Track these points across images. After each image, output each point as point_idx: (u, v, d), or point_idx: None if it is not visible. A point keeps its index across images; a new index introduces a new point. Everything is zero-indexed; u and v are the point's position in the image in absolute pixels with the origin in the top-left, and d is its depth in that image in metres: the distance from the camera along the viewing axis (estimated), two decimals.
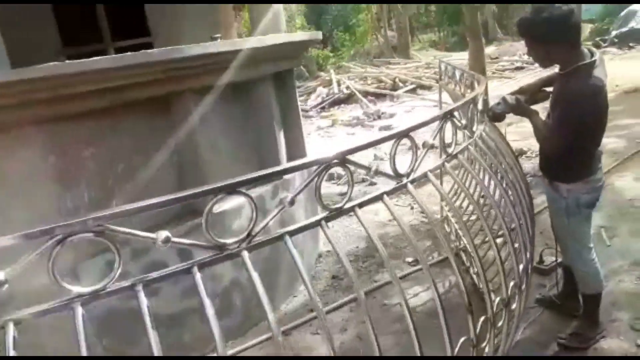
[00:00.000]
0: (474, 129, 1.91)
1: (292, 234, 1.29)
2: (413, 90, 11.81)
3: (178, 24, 4.82)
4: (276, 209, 1.24)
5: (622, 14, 14.54)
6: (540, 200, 3.97)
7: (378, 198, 1.46)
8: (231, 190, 1.16)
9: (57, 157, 2.34)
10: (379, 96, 11.60)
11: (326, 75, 13.82)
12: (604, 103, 2.09)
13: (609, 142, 5.47)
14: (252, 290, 1.20)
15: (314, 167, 1.32)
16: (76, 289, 1.04)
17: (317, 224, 1.34)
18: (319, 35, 3.65)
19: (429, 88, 11.71)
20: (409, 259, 3.62)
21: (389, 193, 1.49)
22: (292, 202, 1.23)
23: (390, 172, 1.49)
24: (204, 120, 2.74)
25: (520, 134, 5.65)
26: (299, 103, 3.93)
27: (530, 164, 5.31)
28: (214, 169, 2.78)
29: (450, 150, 1.72)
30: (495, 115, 2.36)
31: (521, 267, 1.92)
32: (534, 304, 2.78)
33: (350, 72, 14.43)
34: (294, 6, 18.24)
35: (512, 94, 2.42)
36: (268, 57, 3.05)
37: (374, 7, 20.88)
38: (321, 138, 8.93)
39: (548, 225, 2.78)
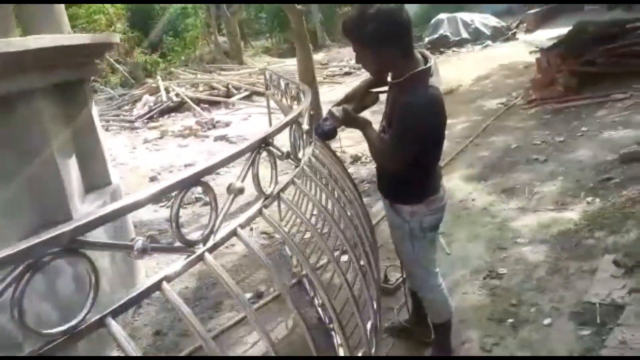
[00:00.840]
0: (300, 154, 1.51)
1: (115, 313, 0.89)
2: (248, 97, 11.37)
3: None
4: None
5: (432, 22, 15.98)
6: (376, 209, 3.84)
7: (233, 233, 1.14)
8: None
9: None
10: (213, 104, 10.95)
11: (153, 82, 12.69)
12: (442, 114, 1.83)
13: None
14: None
15: None
16: None
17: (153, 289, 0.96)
18: (110, 38, 3.03)
19: (264, 95, 11.39)
20: (248, 295, 3.14)
21: (243, 225, 1.18)
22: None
23: (179, 242, 1.03)
24: None
25: (353, 138, 5.57)
26: (99, 120, 3.21)
27: (366, 170, 5.25)
28: None
29: (270, 189, 1.37)
30: (324, 134, 2.02)
31: (374, 304, 1.73)
32: (384, 333, 2.50)
33: (180, 78, 13.50)
34: (112, 10, 16.59)
35: (338, 104, 2.08)
36: (39, 64, 2.31)
37: (203, 12, 20.11)
38: (149, 152, 8.01)
39: (387, 237, 2.53)
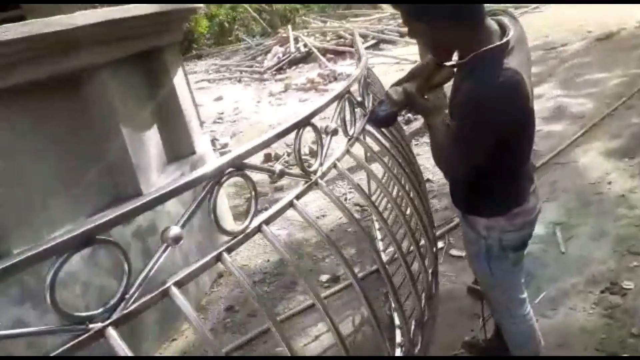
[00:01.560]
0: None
1: (180, 283, 0.97)
2: (376, 46, 10.84)
3: None
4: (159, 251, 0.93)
5: None
6: None
7: (288, 205, 1.26)
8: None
9: None
10: (339, 54, 10.65)
11: (284, 32, 12.75)
12: (522, 104, 1.34)
13: (574, 103, 4.78)
14: None
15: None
16: None
17: (217, 259, 1.06)
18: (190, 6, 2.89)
19: (393, 43, 10.78)
20: (324, 277, 2.95)
21: (299, 196, 1.30)
22: (177, 239, 0.94)
23: (298, 171, 1.32)
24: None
25: None
26: (190, 85, 3.29)
27: None
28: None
29: (351, 132, 1.60)
30: (380, 121, 1.65)
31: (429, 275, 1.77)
32: (460, 349, 2.15)
33: (310, 27, 13.37)
34: None
35: (398, 82, 1.65)
36: (115, 36, 2.27)
37: None
38: (271, 106, 8.10)
39: None
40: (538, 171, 3.13)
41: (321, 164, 1.38)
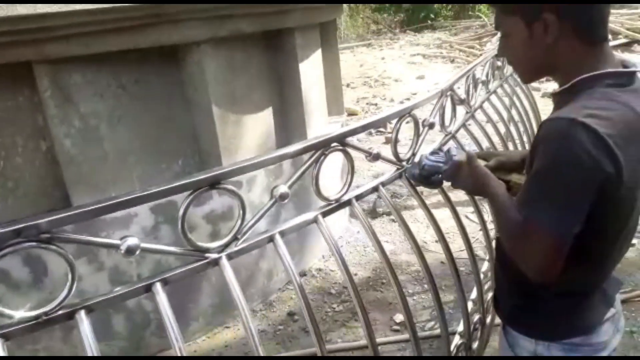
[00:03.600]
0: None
1: (283, 233, 1.18)
2: (628, 45, 9.01)
3: None
4: (269, 203, 1.12)
5: None
6: None
7: (374, 189, 1.40)
8: (215, 183, 1.03)
9: None
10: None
11: None
12: (633, 164, 0.92)
13: None
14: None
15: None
16: (18, 314, 0.85)
17: (314, 220, 1.24)
18: None
19: None
20: (399, 318, 2.60)
21: (385, 183, 1.42)
22: (283, 197, 1.12)
23: (392, 157, 1.43)
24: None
25: None
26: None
27: None
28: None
29: (450, 128, 1.74)
30: (421, 175, 1.30)
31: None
32: None
33: None
34: None
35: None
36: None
37: None
38: None
39: None
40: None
41: (413, 154, 1.48)
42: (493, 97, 2.39)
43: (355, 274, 2.98)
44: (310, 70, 3.10)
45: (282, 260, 1.15)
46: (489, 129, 2.19)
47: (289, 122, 3.09)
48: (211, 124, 2.58)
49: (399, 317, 2.60)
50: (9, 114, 2.24)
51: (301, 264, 3.10)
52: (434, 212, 1.52)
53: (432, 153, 1.28)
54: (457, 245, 2.40)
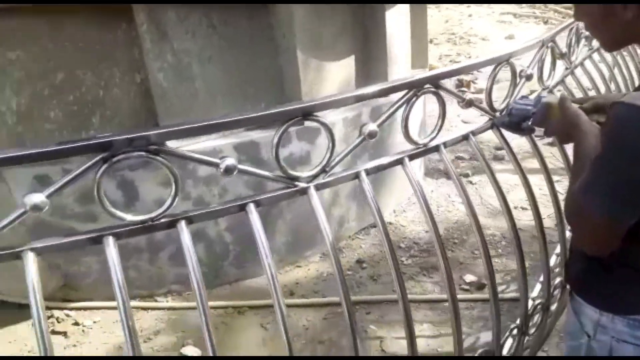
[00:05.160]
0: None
1: (368, 171, 1.18)
2: None
3: None
4: (357, 140, 1.14)
5: None
6: None
7: (464, 137, 1.37)
8: (307, 114, 1.05)
9: None
10: None
11: None
12: None
13: None
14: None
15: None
16: (128, 217, 0.94)
17: (399, 161, 1.23)
18: None
19: None
20: (469, 278, 2.58)
21: (475, 132, 1.40)
22: (372, 135, 1.12)
23: (485, 106, 1.39)
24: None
25: None
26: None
27: None
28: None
29: (547, 82, 1.67)
30: (511, 122, 1.26)
31: None
32: None
33: None
34: None
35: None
36: None
37: None
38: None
39: None
40: None
41: (507, 105, 1.37)
42: (595, 55, 2.22)
43: (427, 232, 2.96)
44: (397, 20, 3.05)
45: (366, 197, 1.16)
46: (588, 86, 2.07)
47: (370, 72, 3.08)
48: (295, 68, 2.63)
49: (469, 277, 2.59)
50: (108, 47, 2.37)
51: (370, 216, 3.11)
52: (510, 177, 1.45)
53: (521, 97, 1.23)
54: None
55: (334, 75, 2.86)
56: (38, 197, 0.83)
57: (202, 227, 2.52)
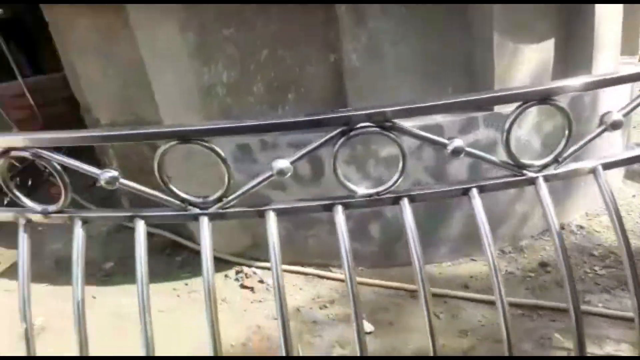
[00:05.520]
0: None
1: (607, 166, 1.02)
2: None
3: None
4: (597, 130, 0.99)
5: None
6: None
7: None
8: (544, 98, 0.95)
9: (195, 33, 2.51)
10: None
11: None
12: None
13: None
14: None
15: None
16: (359, 189, 0.98)
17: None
18: None
19: None
20: None
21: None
22: (617, 125, 0.97)
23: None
24: None
25: None
26: None
27: None
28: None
29: None
30: None
31: None
32: None
33: None
34: None
35: None
36: None
37: None
38: None
39: None
40: None
41: None
42: None
43: None
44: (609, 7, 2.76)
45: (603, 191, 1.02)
46: None
47: (570, 56, 2.81)
48: (489, 52, 2.51)
49: None
50: (308, 28, 2.50)
51: (559, 216, 2.86)
52: None
53: None
54: None
55: (530, 59, 2.67)
56: (284, 163, 0.89)
57: (380, 207, 2.54)
